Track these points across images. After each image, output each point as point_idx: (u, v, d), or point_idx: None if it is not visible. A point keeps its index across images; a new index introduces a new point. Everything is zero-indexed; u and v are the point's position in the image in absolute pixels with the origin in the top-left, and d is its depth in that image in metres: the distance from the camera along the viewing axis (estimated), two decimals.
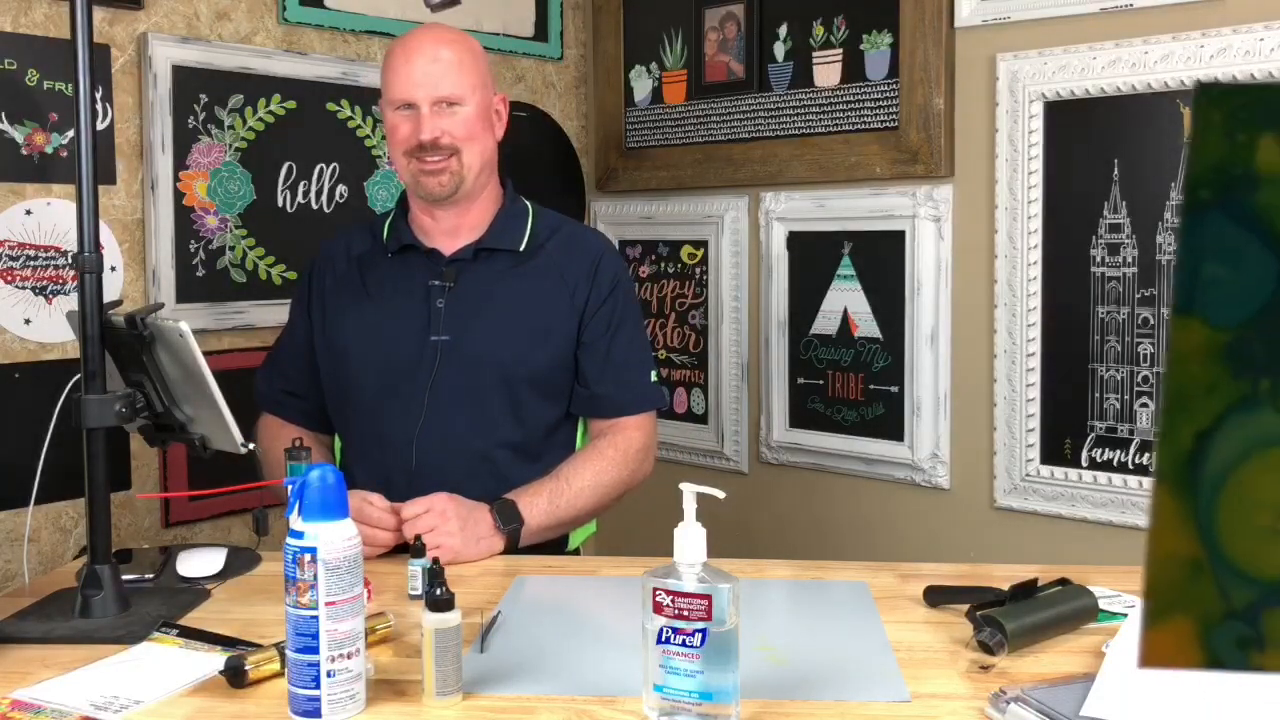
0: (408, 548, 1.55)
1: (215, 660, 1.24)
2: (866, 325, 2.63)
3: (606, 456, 1.82)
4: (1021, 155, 2.35)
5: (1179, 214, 0.48)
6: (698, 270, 2.93)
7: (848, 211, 2.64)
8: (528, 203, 1.94)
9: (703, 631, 1.07)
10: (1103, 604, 1.37)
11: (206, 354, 1.43)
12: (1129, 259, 2.24)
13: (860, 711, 1.14)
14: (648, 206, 3.02)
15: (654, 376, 1.92)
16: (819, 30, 2.66)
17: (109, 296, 1.50)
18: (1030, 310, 2.37)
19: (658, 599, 1.09)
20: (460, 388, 1.79)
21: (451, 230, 1.86)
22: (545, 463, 1.81)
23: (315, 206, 2.56)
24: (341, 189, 2.60)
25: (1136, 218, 2.23)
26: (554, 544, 1.83)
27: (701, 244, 2.92)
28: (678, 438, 2.97)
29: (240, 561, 1.65)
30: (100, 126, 2.21)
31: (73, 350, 1.90)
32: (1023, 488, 2.41)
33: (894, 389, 2.59)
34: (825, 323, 2.70)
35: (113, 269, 2.25)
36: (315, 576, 1.12)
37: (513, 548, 1.70)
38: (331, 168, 2.58)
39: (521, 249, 1.87)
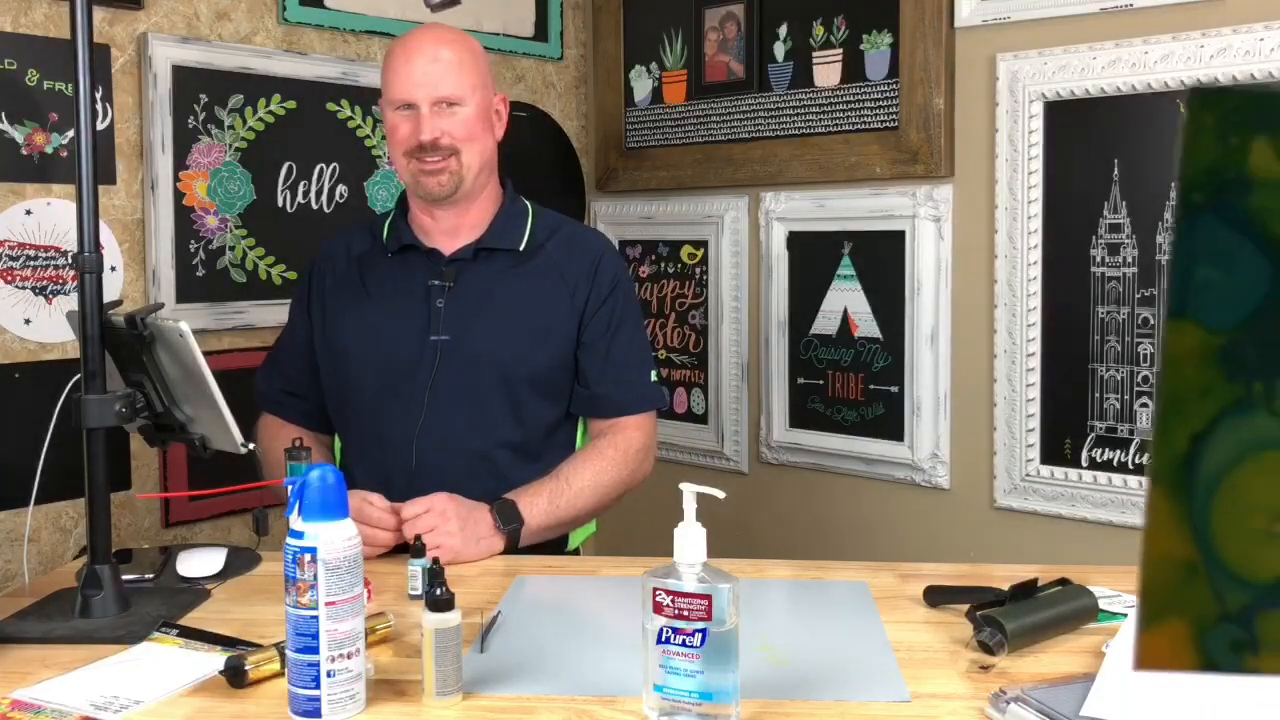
0: (408, 548, 1.55)
1: (215, 660, 1.24)
2: (866, 325, 2.63)
3: (606, 456, 1.82)
4: (1021, 155, 2.35)
5: (1172, 217, 0.48)
6: (698, 270, 2.93)
7: (848, 211, 2.64)
8: (527, 202, 1.94)
9: (703, 631, 1.07)
10: (1103, 604, 1.37)
11: (206, 354, 1.43)
12: (1129, 259, 2.24)
13: (860, 711, 1.14)
14: (648, 206, 3.02)
15: (654, 376, 1.92)
16: (819, 30, 2.66)
17: (109, 296, 1.50)
18: (1030, 310, 2.37)
19: (658, 599, 1.09)
20: (460, 387, 1.80)
21: (451, 230, 1.86)
22: (545, 463, 1.81)
23: (315, 206, 2.56)
24: (341, 189, 2.60)
25: (1136, 218, 2.23)
26: (554, 544, 1.83)
27: (701, 244, 2.92)
28: (678, 438, 2.97)
29: (240, 561, 1.65)
30: (100, 126, 2.21)
31: (73, 350, 1.90)
32: (1023, 488, 2.41)
33: (894, 389, 2.59)
34: (825, 323, 2.70)
35: (113, 269, 2.26)
36: (315, 576, 1.12)
37: (513, 548, 1.70)
38: (331, 168, 2.58)
39: (521, 249, 1.87)
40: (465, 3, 2.82)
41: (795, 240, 2.74)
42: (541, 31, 3.03)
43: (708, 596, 1.08)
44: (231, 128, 2.41)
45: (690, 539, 1.11)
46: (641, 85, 3.02)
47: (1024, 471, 2.40)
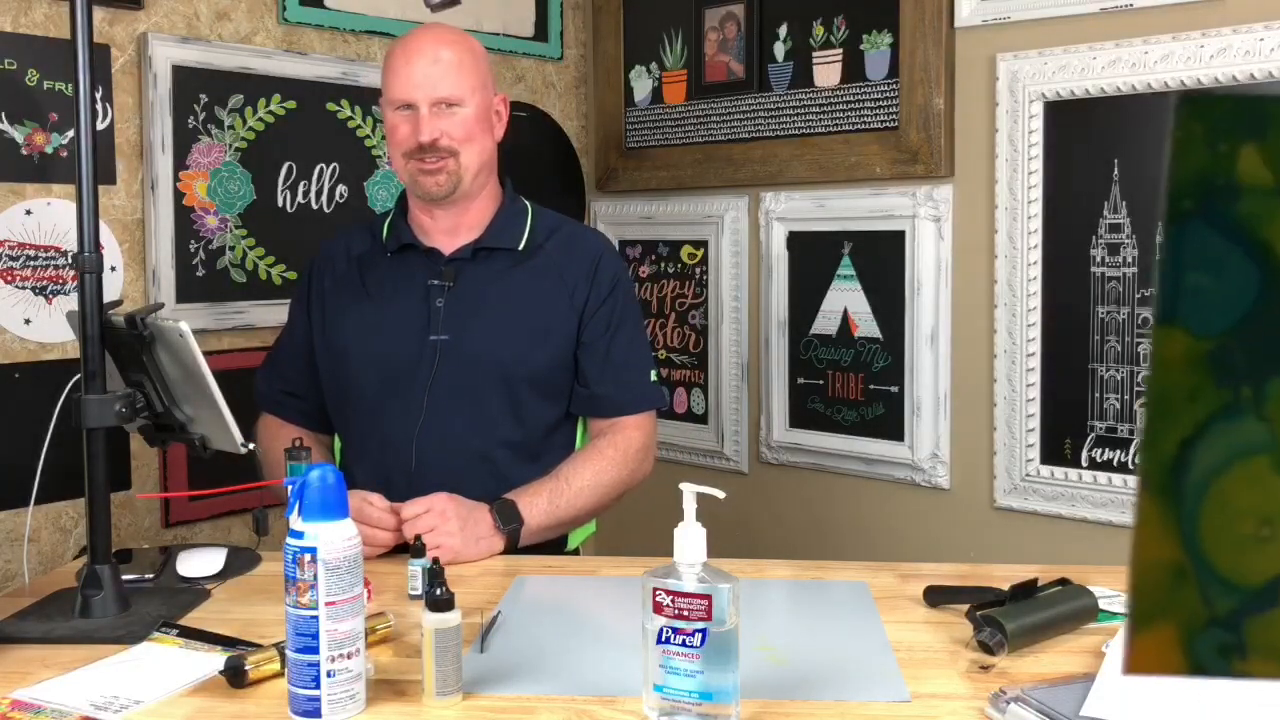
0: (408, 548, 1.55)
1: (215, 660, 1.24)
2: (866, 325, 2.63)
3: (606, 456, 1.83)
4: (1021, 155, 2.35)
5: (1161, 224, 0.48)
6: (698, 270, 2.93)
7: (848, 211, 2.64)
8: (527, 202, 1.94)
9: (703, 631, 1.07)
10: (1103, 604, 1.37)
11: (206, 354, 1.44)
12: (1129, 259, 2.24)
13: (860, 711, 1.14)
14: (648, 206, 3.02)
15: (654, 376, 1.92)
16: (819, 30, 2.67)
17: (109, 296, 1.50)
18: (1030, 310, 2.37)
19: (658, 599, 1.09)
20: (460, 387, 1.80)
21: (450, 229, 1.86)
22: (545, 462, 1.81)
23: (315, 206, 2.56)
24: (341, 189, 2.61)
25: (1136, 218, 2.23)
26: (554, 544, 1.83)
27: (701, 244, 2.92)
28: (678, 438, 2.98)
29: (240, 561, 1.65)
30: (100, 126, 2.21)
31: (73, 350, 1.90)
32: (1023, 488, 2.41)
33: (894, 389, 2.59)
34: (825, 323, 2.70)
35: (113, 269, 2.26)
36: (315, 576, 1.12)
37: (512, 548, 1.70)
38: (331, 168, 2.58)
39: (520, 248, 1.87)
40: (465, 3, 2.82)
41: (795, 240, 2.74)
42: (541, 31, 3.03)
43: (708, 596, 1.08)
44: (231, 128, 2.41)
45: (690, 539, 1.11)
46: (641, 85, 3.02)
47: (1024, 471, 2.40)
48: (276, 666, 1.21)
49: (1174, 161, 0.46)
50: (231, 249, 2.43)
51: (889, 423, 2.61)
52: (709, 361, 2.92)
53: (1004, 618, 1.27)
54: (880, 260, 2.60)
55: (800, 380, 2.75)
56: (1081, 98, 2.27)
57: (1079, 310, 2.30)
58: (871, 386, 2.63)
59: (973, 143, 2.45)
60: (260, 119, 2.46)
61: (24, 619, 1.42)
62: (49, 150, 2.16)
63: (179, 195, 2.34)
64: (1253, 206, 0.46)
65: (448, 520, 1.63)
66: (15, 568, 2.11)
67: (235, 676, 1.20)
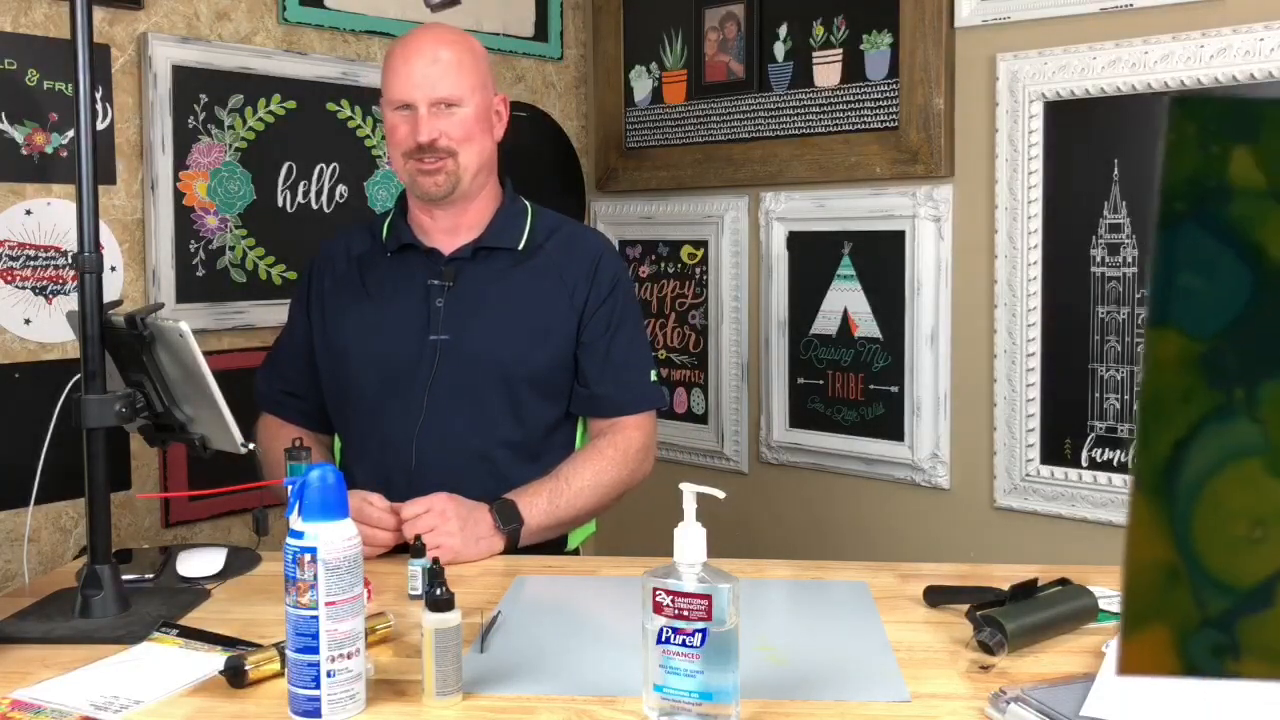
0: (408, 548, 1.56)
1: (215, 660, 1.24)
2: (866, 325, 2.63)
3: (606, 456, 1.83)
4: (1021, 155, 2.35)
5: (1153, 226, 0.48)
6: (698, 270, 2.93)
7: (848, 211, 2.64)
8: (527, 202, 1.94)
9: (703, 631, 1.07)
10: (1103, 604, 1.37)
11: (206, 354, 1.44)
12: (1129, 259, 2.24)
13: (860, 711, 1.14)
14: (648, 206, 3.03)
15: (654, 376, 1.92)
16: (819, 30, 2.67)
17: (109, 296, 1.50)
18: (1030, 310, 2.37)
19: (658, 599, 1.09)
20: (460, 387, 1.80)
21: (450, 229, 1.86)
22: (545, 462, 1.81)
23: (315, 206, 2.56)
24: (341, 189, 2.61)
25: (1136, 218, 2.23)
26: (553, 544, 1.83)
27: (701, 244, 2.92)
28: (678, 438, 2.98)
29: (240, 561, 1.65)
30: (100, 126, 2.22)
31: (73, 350, 1.90)
32: (1023, 488, 2.41)
33: (894, 389, 2.59)
34: (825, 323, 2.70)
35: (113, 269, 2.26)
36: (315, 576, 1.12)
37: (512, 548, 1.70)
38: (331, 168, 2.59)
39: (520, 248, 1.87)
40: (465, 3, 2.82)
41: (795, 240, 2.74)
42: (541, 31, 3.03)
43: (708, 596, 1.08)
44: (231, 128, 2.42)
45: (690, 539, 1.11)
46: (641, 85, 3.02)
47: (1024, 471, 2.40)
48: (276, 666, 1.21)
49: (1166, 164, 0.46)
50: (231, 249, 2.43)
51: (889, 423, 2.61)
52: (709, 361, 2.92)
53: (1004, 618, 1.27)
54: (880, 260, 2.60)
55: (800, 380, 2.75)
56: (1081, 98, 2.27)
57: (1079, 310, 2.30)
58: (871, 386, 2.63)
59: (973, 143, 2.45)
60: (260, 119, 2.46)
61: (24, 619, 1.42)
62: (49, 150, 2.17)
63: (179, 195, 2.34)
64: (1245, 209, 0.46)
65: (448, 520, 1.63)
66: (15, 568, 2.11)
67: (235, 676, 1.20)
